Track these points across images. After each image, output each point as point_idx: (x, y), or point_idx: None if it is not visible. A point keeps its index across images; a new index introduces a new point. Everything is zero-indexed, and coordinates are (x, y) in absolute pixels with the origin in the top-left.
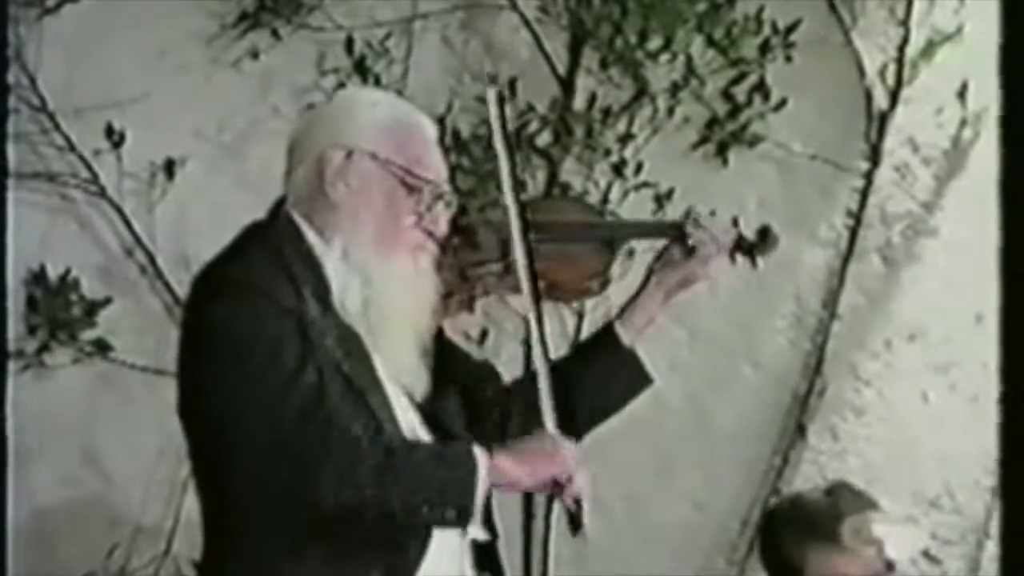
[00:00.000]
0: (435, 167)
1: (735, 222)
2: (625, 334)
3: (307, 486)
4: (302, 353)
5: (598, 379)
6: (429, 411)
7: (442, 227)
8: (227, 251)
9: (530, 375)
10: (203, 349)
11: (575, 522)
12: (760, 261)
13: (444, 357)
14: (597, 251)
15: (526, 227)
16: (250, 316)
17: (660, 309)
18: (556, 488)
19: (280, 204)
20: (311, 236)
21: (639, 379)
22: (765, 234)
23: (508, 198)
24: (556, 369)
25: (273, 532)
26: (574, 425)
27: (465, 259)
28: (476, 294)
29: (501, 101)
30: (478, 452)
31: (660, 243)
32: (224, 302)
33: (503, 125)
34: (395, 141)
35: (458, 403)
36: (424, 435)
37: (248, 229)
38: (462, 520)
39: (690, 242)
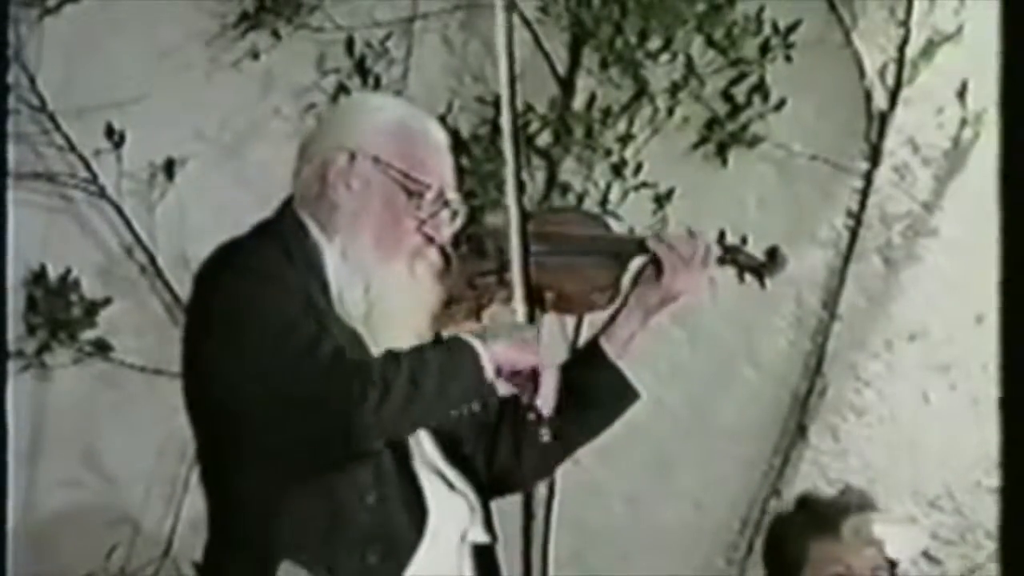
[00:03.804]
0: (439, 173)
1: (721, 235)
2: (611, 349)
3: (352, 420)
4: (318, 324)
5: (585, 394)
6: None
7: (444, 233)
8: (235, 242)
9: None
10: (217, 329)
11: (539, 417)
12: (768, 282)
13: None
14: (606, 264)
15: (524, 217)
16: (264, 295)
17: (642, 326)
18: (527, 382)
19: (288, 203)
20: (315, 234)
21: (625, 394)
22: (773, 254)
23: (509, 185)
24: None
25: (276, 518)
26: (563, 442)
27: (473, 268)
28: (483, 303)
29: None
30: (476, 344)
31: None
32: (237, 284)
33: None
34: (398, 145)
35: None
36: (427, 437)
37: (256, 225)
38: (485, 408)
39: (656, 261)
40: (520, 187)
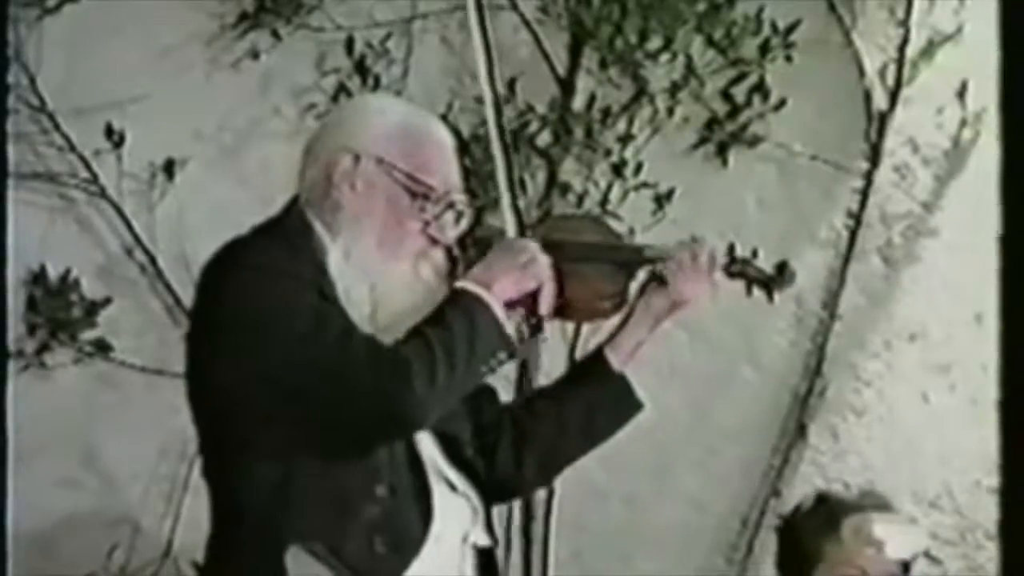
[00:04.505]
0: (443, 175)
1: (731, 247)
2: (615, 358)
3: (406, 404)
4: (343, 315)
5: (588, 403)
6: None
7: (449, 235)
8: (241, 240)
9: (523, 398)
10: (234, 325)
11: (538, 326)
12: (776, 296)
13: None
14: (613, 273)
15: (521, 221)
16: (284, 291)
17: (648, 335)
18: (528, 299)
19: (294, 202)
20: (319, 234)
21: (628, 404)
22: (782, 269)
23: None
24: (546, 394)
25: (285, 506)
26: (565, 450)
27: None
28: None
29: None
30: (484, 295)
31: None
32: (251, 281)
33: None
34: (401, 147)
35: (463, 409)
36: (429, 439)
37: (262, 224)
38: (513, 354)
39: (664, 269)
40: (513, 191)
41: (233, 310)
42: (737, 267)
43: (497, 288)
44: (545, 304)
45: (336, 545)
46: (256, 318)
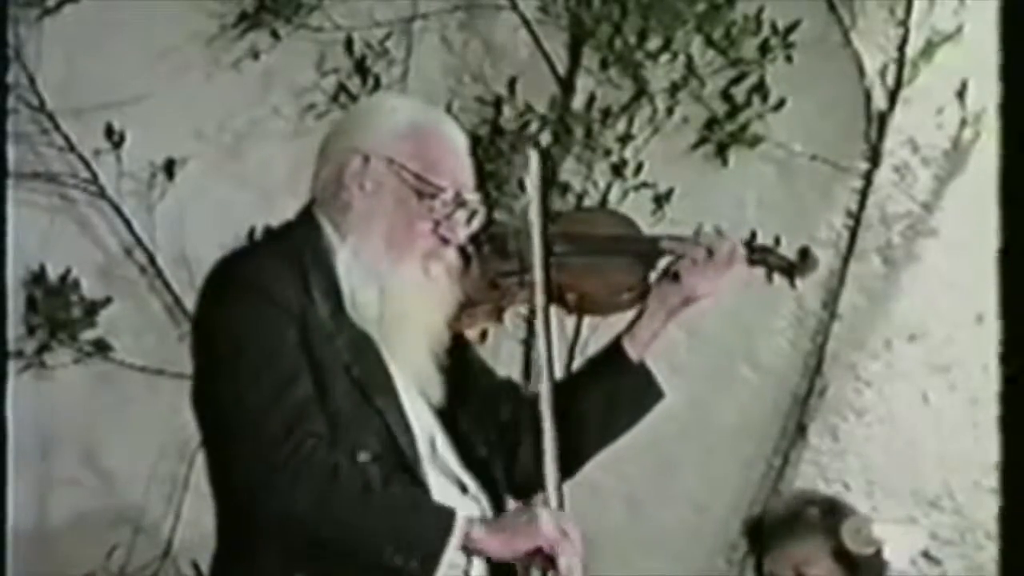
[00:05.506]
0: (454, 174)
1: (752, 235)
2: (632, 349)
3: (280, 506)
4: (297, 363)
5: (608, 395)
6: (449, 417)
7: (460, 235)
8: (246, 247)
9: (537, 394)
10: (206, 347)
11: None
12: (799, 283)
13: (464, 365)
14: (631, 265)
15: (546, 242)
16: (251, 319)
17: (664, 325)
18: (542, 559)
19: (309, 205)
20: (329, 235)
21: (650, 393)
22: (805, 255)
23: (533, 221)
24: (565, 386)
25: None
26: (586, 444)
27: (495, 268)
28: (505, 304)
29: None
30: (460, 518)
31: None
32: (228, 303)
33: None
34: (411, 147)
35: (478, 411)
36: (442, 439)
37: (276, 228)
38: (424, 573)
39: (677, 265)
40: (547, 212)
41: (209, 329)
42: (759, 255)
43: (478, 531)
44: (571, 571)
45: (340, 570)
46: (222, 341)
